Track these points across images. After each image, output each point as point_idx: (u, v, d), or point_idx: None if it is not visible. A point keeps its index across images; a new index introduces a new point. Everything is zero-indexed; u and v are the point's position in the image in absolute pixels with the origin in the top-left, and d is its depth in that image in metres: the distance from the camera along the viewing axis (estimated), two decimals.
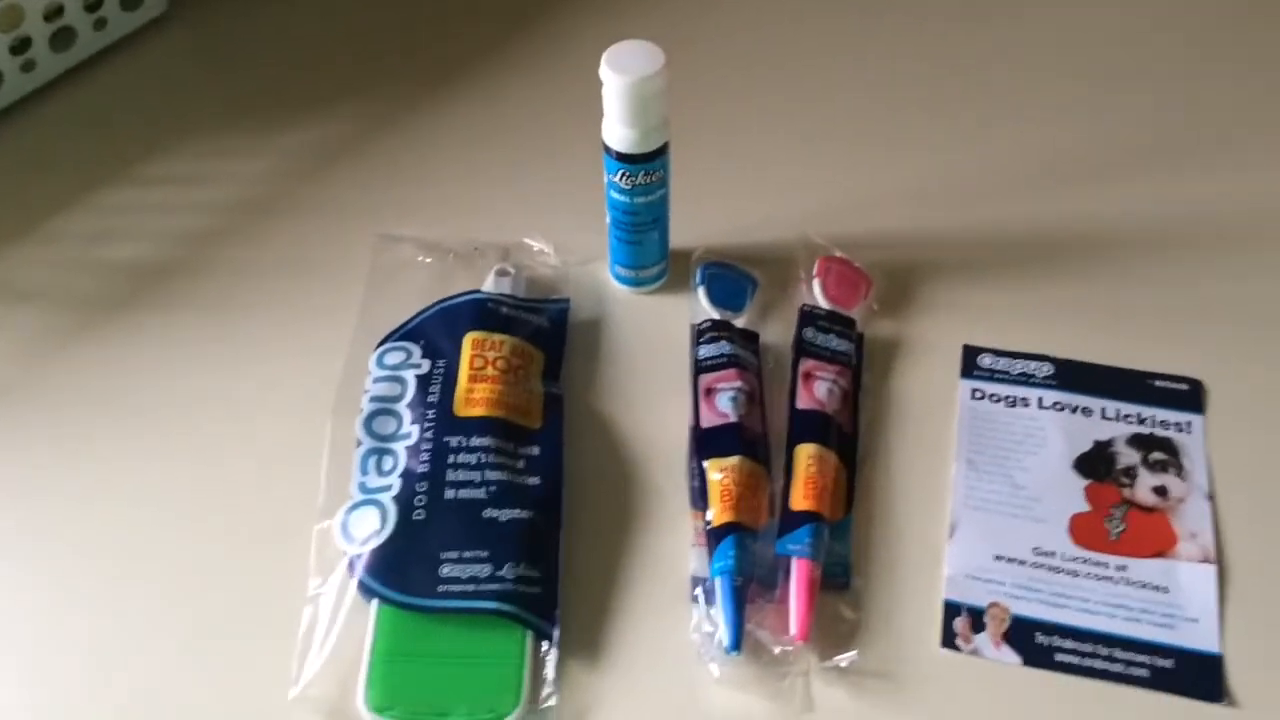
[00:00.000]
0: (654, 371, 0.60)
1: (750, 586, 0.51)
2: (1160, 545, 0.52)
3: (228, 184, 0.69)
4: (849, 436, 0.56)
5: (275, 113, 0.73)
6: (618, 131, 0.56)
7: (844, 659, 0.49)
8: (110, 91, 0.75)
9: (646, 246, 0.61)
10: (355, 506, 0.53)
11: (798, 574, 0.51)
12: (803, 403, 0.56)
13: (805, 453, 0.54)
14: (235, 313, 0.63)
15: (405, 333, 0.59)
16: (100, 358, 0.61)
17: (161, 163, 0.71)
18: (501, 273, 0.62)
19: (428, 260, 0.64)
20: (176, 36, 0.78)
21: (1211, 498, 0.53)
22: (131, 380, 0.60)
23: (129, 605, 0.52)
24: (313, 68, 0.77)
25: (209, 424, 0.58)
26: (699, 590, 0.51)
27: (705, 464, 0.54)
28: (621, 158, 0.57)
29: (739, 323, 0.60)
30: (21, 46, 0.71)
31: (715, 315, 0.60)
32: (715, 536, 0.52)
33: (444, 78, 0.75)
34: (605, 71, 0.54)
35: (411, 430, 0.55)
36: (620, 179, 0.57)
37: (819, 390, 0.56)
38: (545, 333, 0.60)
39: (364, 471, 0.54)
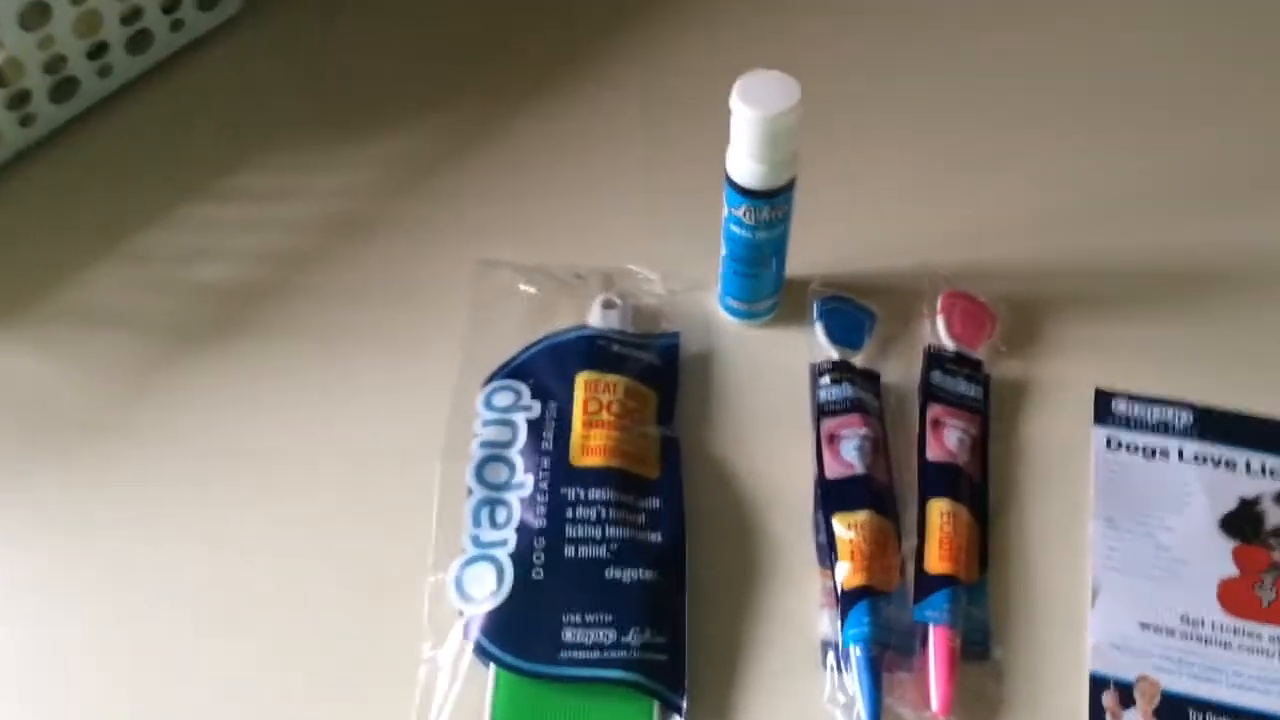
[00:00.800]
0: (770, 412, 0.57)
1: (886, 655, 0.49)
2: None
3: (314, 200, 0.66)
4: (980, 490, 0.54)
5: (360, 122, 0.70)
6: (745, 166, 0.53)
7: None
8: (187, 97, 0.71)
9: (763, 280, 0.58)
10: (469, 562, 0.51)
11: (937, 643, 0.48)
12: (933, 454, 0.54)
13: (938, 509, 0.52)
14: (329, 340, 0.60)
15: (512, 370, 0.57)
16: (188, 388, 0.59)
17: (244, 175, 0.68)
18: (608, 304, 0.59)
19: (530, 289, 0.61)
20: (253, 37, 0.75)
21: None
22: (221, 414, 0.58)
23: (231, 662, 0.50)
24: (398, 74, 0.73)
25: (307, 463, 0.56)
26: (831, 656, 0.49)
27: (833, 518, 0.52)
28: (746, 193, 0.53)
29: (857, 361, 0.57)
30: (98, 51, 0.67)
31: (834, 354, 0.57)
32: (847, 600, 0.50)
33: (544, 86, 0.72)
34: (736, 104, 0.51)
35: (525, 480, 0.53)
36: (743, 214, 0.54)
37: (949, 439, 0.54)
38: (656, 370, 0.57)
39: (476, 524, 0.52)
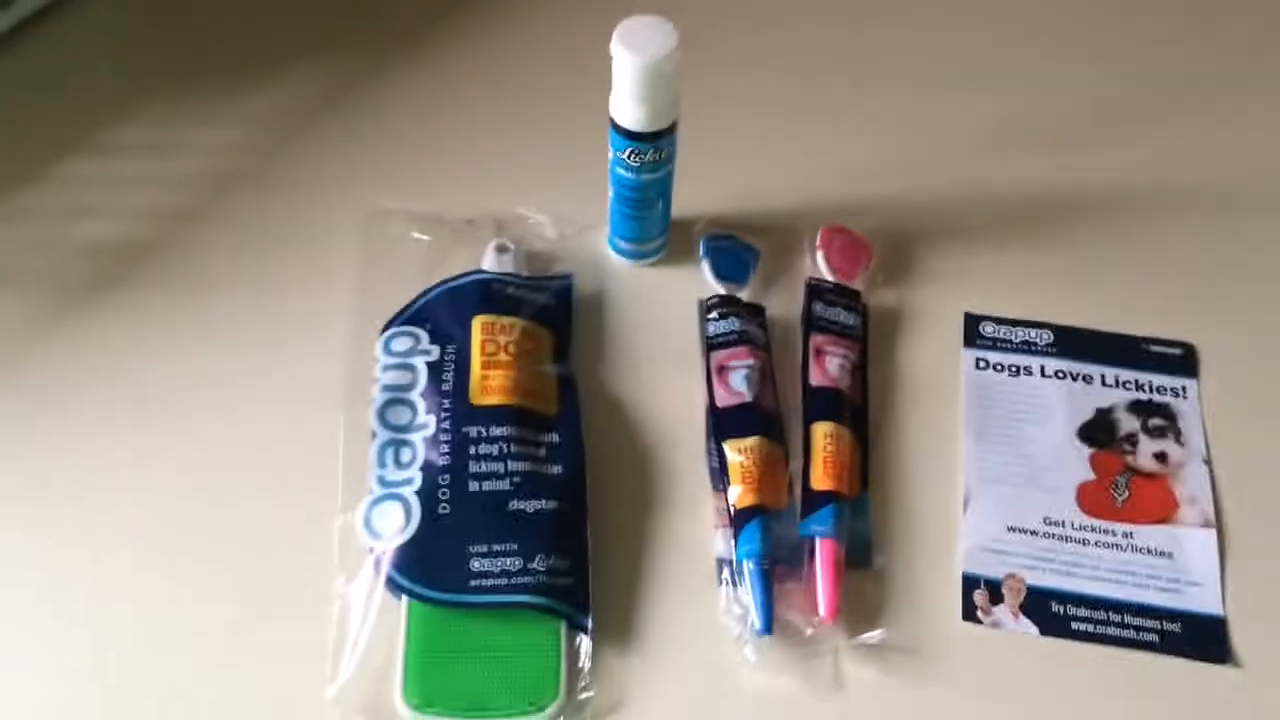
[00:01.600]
0: (661, 347, 0.59)
1: (777, 568, 0.52)
2: (1163, 511, 0.54)
3: (196, 154, 0.66)
4: (860, 412, 0.57)
5: (241, 72, 0.70)
6: (628, 109, 0.54)
7: (872, 637, 0.50)
8: (60, 50, 0.70)
9: (650, 221, 0.60)
10: (377, 501, 0.52)
11: (823, 555, 0.52)
12: (816, 379, 0.57)
13: (822, 431, 0.55)
14: (224, 295, 0.60)
15: (410, 316, 0.58)
16: (83, 344, 0.58)
17: (122, 130, 0.67)
18: (501, 248, 0.61)
19: (422, 236, 0.62)
20: None
21: (1209, 463, 0.56)
22: (120, 369, 0.58)
23: (149, 610, 0.51)
24: (276, 20, 0.72)
25: (209, 416, 0.56)
26: (726, 573, 0.52)
27: (724, 445, 0.55)
28: (631, 135, 0.55)
29: (744, 295, 0.60)
30: None
31: (721, 289, 0.60)
32: (739, 519, 0.53)
33: (428, 33, 0.72)
34: (617, 49, 0.52)
35: (428, 420, 0.54)
36: (628, 156, 0.56)
37: (831, 366, 0.57)
38: (551, 311, 0.59)
39: (382, 464, 0.53)
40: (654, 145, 0.56)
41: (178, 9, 0.73)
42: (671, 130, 0.56)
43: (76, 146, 0.66)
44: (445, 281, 0.59)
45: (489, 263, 0.60)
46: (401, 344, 0.57)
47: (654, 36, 0.52)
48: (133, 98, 0.68)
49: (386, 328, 0.58)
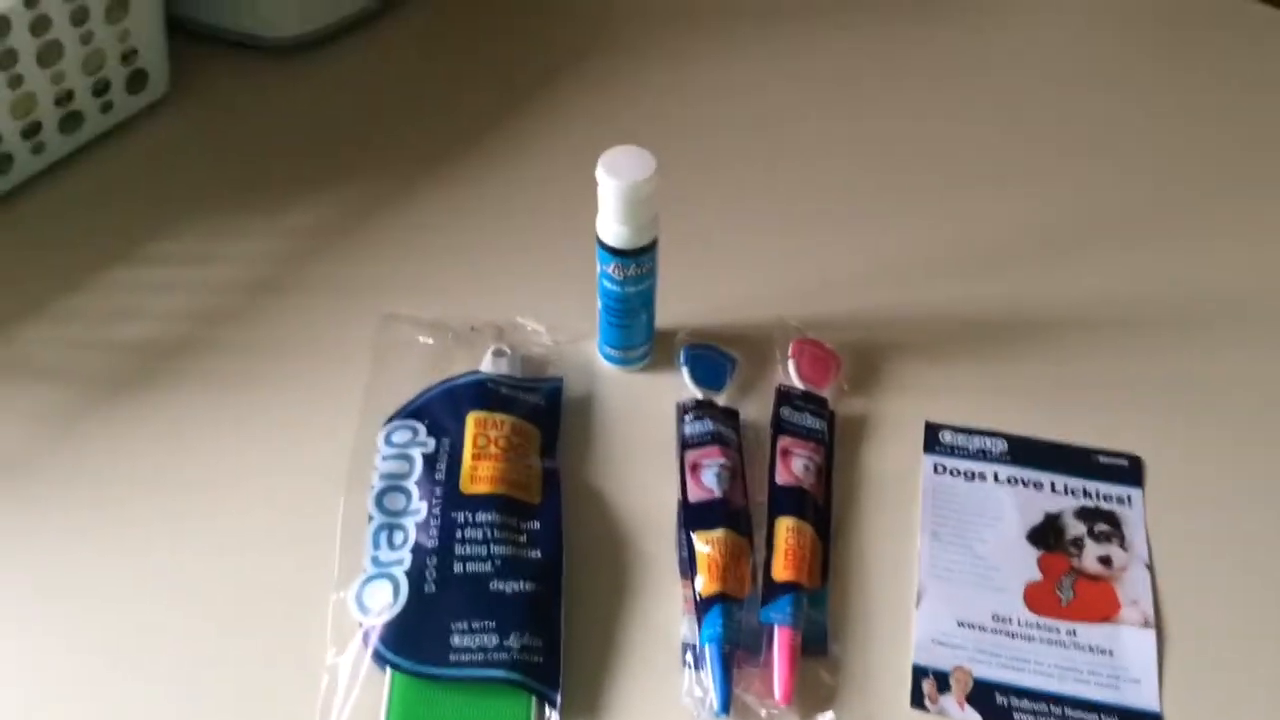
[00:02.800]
0: (643, 446, 0.64)
1: (737, 653, 0.55)
2: (1105, 611, 0.57)
3: (232, 264, 0.73)
4: (823, 510, 0.61)
5: (275, 194, 0.77)
6: (612, 229, 0.61)
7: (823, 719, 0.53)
8: (116, 172, 0.78)
9: (635, 330, 0.65)
10: (369, 580, 0.57)
11: (780, 641, 0.55)
12: (781, 478, 0.61)
13: (785, 525, 0.59)
14: (244, 391, 0.66)
15: (411, 411, 0.63)
16: (111, 436, 0.64)
17: (167, 242, 0.74)
18: (498, 353, 0.66)
19: (428, 341, 0.68)
20: (177, 117, 0.82)
21: (1150, 567, 0.59)
22: (143, 459, 0.63)
23: (150, 680, 0.55)
24: (309, 149, 0.81)
25: (222, 501, 0.61)
26: (689, 656, 0.56)
27: (693, 535, 0.59)
28: (615, 252, 0.61)
29: (720, 400, 0.65)
30: (32, 130, 0.74)
31: (698, 394, 0.65)
32: (703, 605, 0.56)
33: (439, 159, 0.80)
34: (601, 175, 0.59)
35: (420, 507, 0.59)
36: (613, 270, 0.62)
37: (796, 466, 0.61)
38: (541, 411, 0.64)
39: (376, 546, 0.58)
40: (636, 260, 0.62)
41: (226, 138, 0.81)
42: (652, 247, 0.62)
43: (124, 257, 0.73)
44: (445, 381, 0.65)
45: (487, 365, 0.66)
46: (401, 436, 0.62)
47: (634, 164, 0.59)
48: (176, 216, 0.76)
49: (389, 421, 0.63)
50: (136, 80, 0.79)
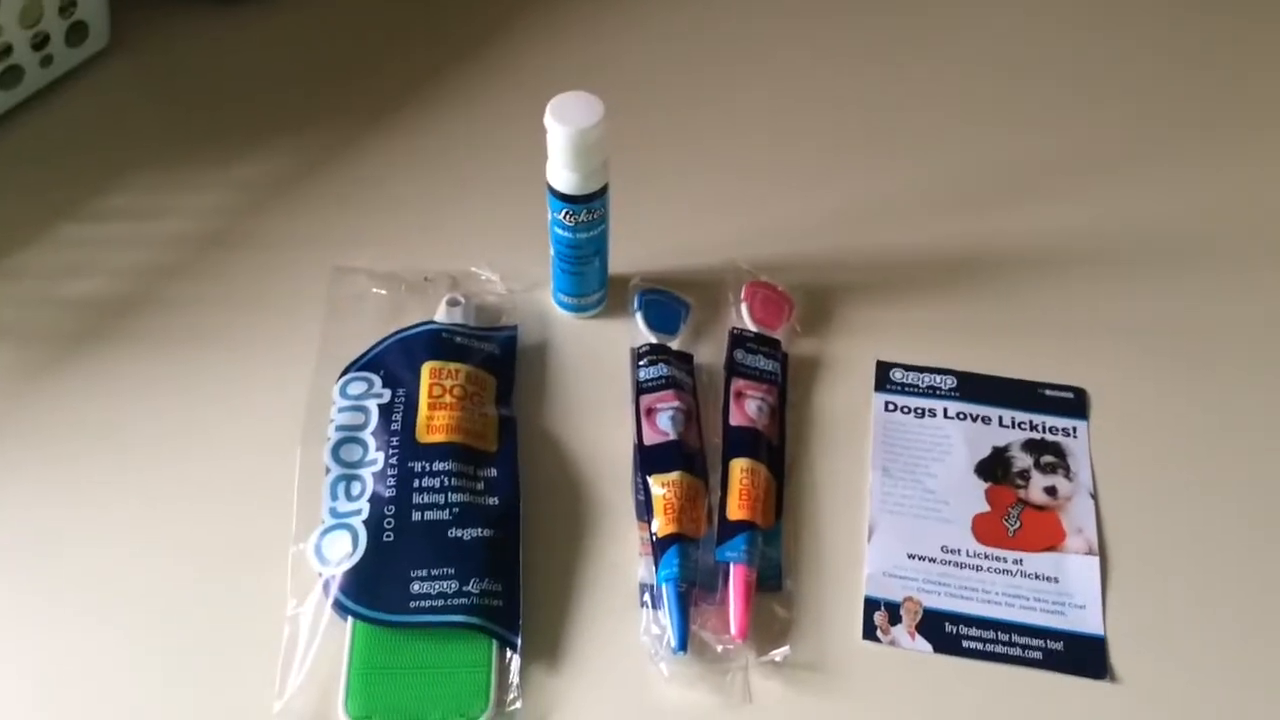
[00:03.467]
0: (598, 392, 0.65)
1: (693, 591, 0.56)
2: (1051, 540, 0.59)
3: (182, 217, 0.72)
4: (777, 449, 0.62)
5: (223, 145, 0.76)
6: (561, 175, 0.61)
7: (778, 654, 0.54)
8: (59, 126, 0.77)
9: (588, 276, 0.66)
10: (327, 531, 0.57)
11: (735, 579, 0.56)
12: (735, 420, 0.62)
13: (739, 466, 0.60)
14: (198, 346, 0.66)
15: (365, 363, 0.64)
16: (63, 394, 0.64)
17: (114, 197, 0.73)
18: (453, 302, 0.66)
19: (381, 291, 0.68)
20: (120, 69, 0.81)
21: (1095, 496, 0.60)
22: (100, 415, 0.63)
23: (113, 632, 0.56)
24: (257, 100, 0.80)
25: (181, 455, 0.62)
26: (647, 596, 0.57)
27: (649, 479, 0.59)
28: (565, 198, 0.61)
29: (674, 345, 0.66)
30: None
31: (652, 339, 0.65)
32: (660, 546, 0.57)
33: (389, 109, 0.79)
34: (550, 121, 0.58)
35: (377, 457, 0.59)
36: (564, 217, 0.62)
37: (749, 408, 0.62)
38: (496, 359, 0.64)
39: (334, 497, 0.58)
40: (586, 206, 0.62)
41: (171, 88, 0.80)
42: (603, 193, 0.62)
43: (72, 212, 0.72)
44: (400, 331, 0.65)
45: (441, 315, 0.66)
46: (356, 388, 0.62)
47: (582, 109, 0.58)
48: (124, 169, 0.75)
49: (344, 373, 0.63)
50: (76, 32, 0.78)
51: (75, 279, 0.69)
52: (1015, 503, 0.60)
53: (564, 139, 0.59)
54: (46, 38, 0.76)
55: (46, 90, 0.78)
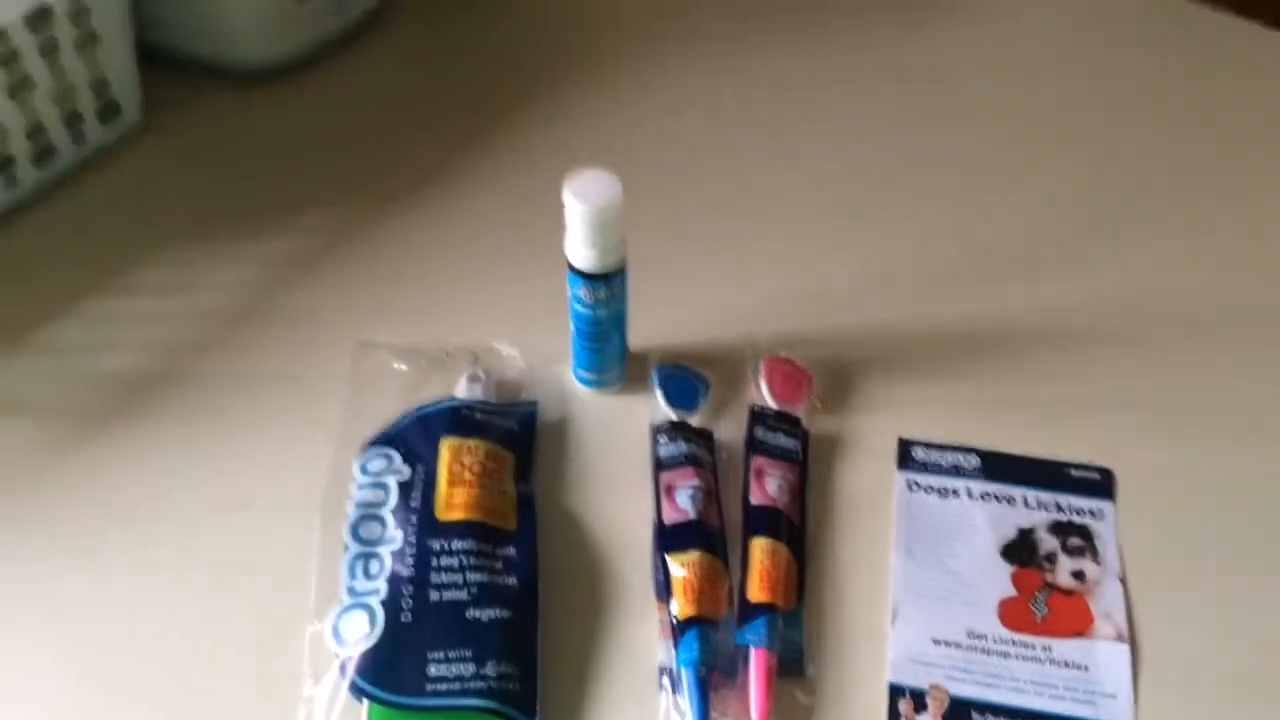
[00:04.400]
0: (618, 469, 0.64)
1: (713, 675, 0.55)
2: (1079, 626, 0.57)
3: (209, 292, 0.73)
4: (798, 529, 0.61)
5: (251, 222, 0.77)
6: (580, 252, 0.61)
7: None
8: (91, 203, 0.78)
9: (607, 352, 0.66)
10: (345, 610, 0.57)
11: (756, 663, 0.55)
12: (756, 499, 0.61)
13: (759, 546, 0.59)
14: (221, 422, 0.66)
15: (385, 439, 0.64)
16: (88, 469, 0.64)
17: (144, 272, 0.74)
18: (473, 378, 0.67)
19: (403, 366, 0.68)
20: (150, 147, 0.82)
21: (1123, 580, 0.59)
22: (123, 490, 0.63)
23: (128, 709, 0.55)
24: (283, 178, 0.81)
25: (200, 531, 0.61)
26: (666, 679, 0.56)
27: (669, 558, 0.59)
28: (584, 275, 0.61)
29: (694, 421, 0.65)
30: (4, 164, 0.74)
31: (672, 415, 0.65)
32: (680, 629, 0.56)
33: (411, 187, 0.80)
34: (568, 199, 0.59)
35: (396, 535, 0.59)
36: (583, 293, 0.62)
37: (770, 486, 0.62)
38: (516, 435, 0.64)
39: (352, 576, 0.58)
40: (605, 283, 0.62)
41: (200, 166, 0.82)
42: (621, 270, 0.62)
43: (98, 288, 0.73)
44: (420, 407, 0.65)
45: (461, 391, 0.66)
46: (376, 464, 0.62)
47: (600, 187, 0.59)
48: (154, 246, 0.76)
49: (364, 449, 0.63)
50: (109, 111, 0.79)
51: (101, 354, 0.70)
52: (1042, 586, 0.59)
53: (582, 217, 0.59)
54: (80, 116, 0.77)
55: (79, 167, 0.80)
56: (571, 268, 0.62)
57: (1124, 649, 0.56)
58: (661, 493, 0.62)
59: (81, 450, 0.65)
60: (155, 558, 0.60)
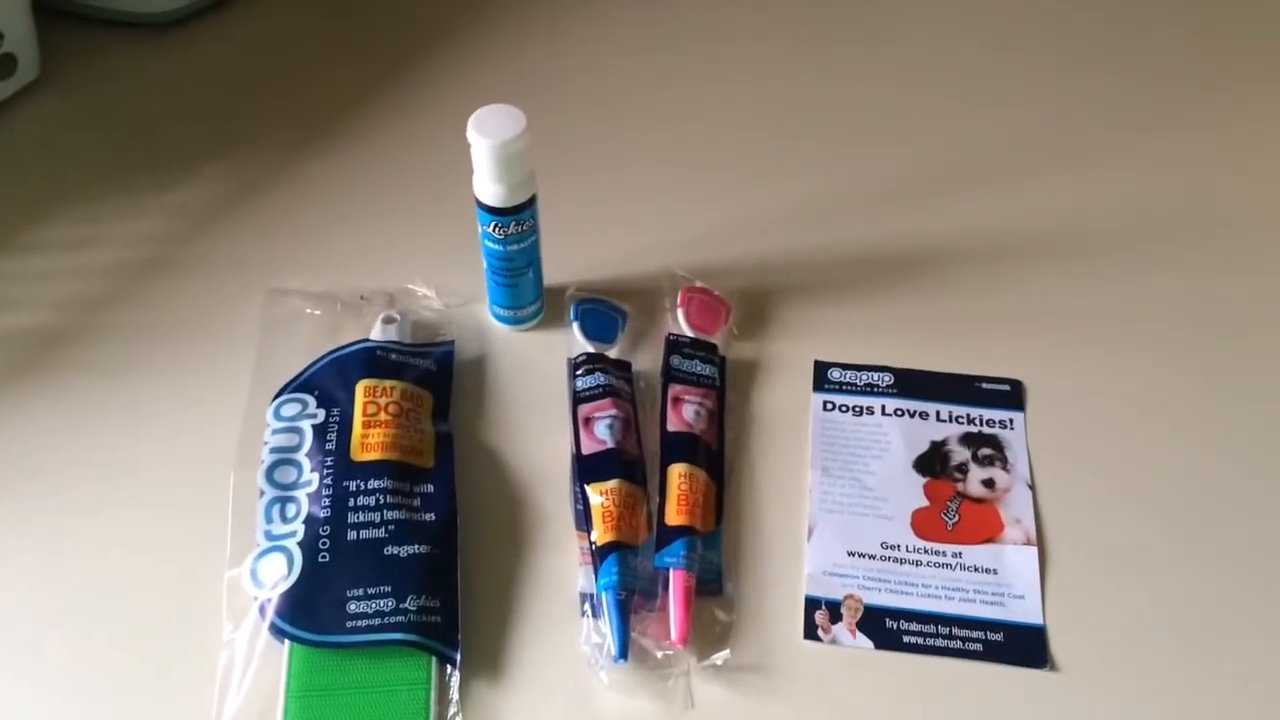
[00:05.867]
0: (537, 404, 0.64)
1: (633, 599, 0.56)
2: (989, 532, 0.59)
3: (112, 247, 0.72)
4: (716, 453, 0.62)
5: (151, 173, 0.76)
6: (488, 188, 0.60)
7: (719, 657, 0.54)
8: None
9: (522, 288, 0.66)
10: (262, 554, 0.57)
11: (675, 584, 0.56)
12: (673, 425, 0.62)
13: (677, 472, 0.60)
14: (132, 374, 0.65)
15: (300, 384, 0.63)
16: (0, 426, 0.63)
17: (43, 228, 0.73)
18: (388, 320, 0.66)
19: (316, 312, 0.67)
20: (50, 101, 0.80)
21: (1032, 486, 0.60)
22: (32, 449, 0.62)
23: (48, 663, 0.55)
24: (186, 127, 0.79)
25: (115, 485, 0.61)
26: (587, 605, 0.56)
27: (587, 488, 0.59)
28: (493, 211, 0.61)
29: (612, 353, 0.65)
30: None
31: (590, 348, 0.65)
32: (599, 555, 0.57)
33: (319, 132, 0.79)
34: (472, 135, 0.58)
35: (312, 478, 0.59)
36: (493, 230, 0.62)
37: (687, 413, 0.62)
38: (433, 375, 0.64)
39: (269, 520, 0.58)
40: (515, 218, 0.62)
41: (100, 119, 0.80)
42: (531, 204, 0.62)
43: (3, 245, 0.72)
44: (334, 351, 0.64)
45: (377, 333, 0.66)
46: (290, 409, 0.62)
47: (504, 122, 0.58)
48: (51, 200, 0.74)
49: (278, 395, 0.63)
50: (5, 64, 0.77)
51: (4, 313, 0.68)
52: (954, 496, 0.60)
53: (487, 152, 0.59)
54: None
55: None
56: (480, 204, 0.62)
57: (1032, 552, 0.58)
58: (580, 424, 0.62)
59: None
60: (70, 515, 0.60)
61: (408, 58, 0.84)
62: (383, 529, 0.57)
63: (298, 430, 0.61)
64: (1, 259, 0.71)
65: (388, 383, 0.62)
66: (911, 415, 0.63)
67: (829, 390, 0.65)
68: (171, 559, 0.58)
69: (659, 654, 0.54)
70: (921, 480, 0.61)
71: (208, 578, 0.57)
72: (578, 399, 0.63)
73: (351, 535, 0.57)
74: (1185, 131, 0.80)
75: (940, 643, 0.55)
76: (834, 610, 0.56)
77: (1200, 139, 0.79)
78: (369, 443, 0.60)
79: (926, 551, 0.58)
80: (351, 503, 0.58)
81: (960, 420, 0.63)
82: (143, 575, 0.58)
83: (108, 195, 0.75)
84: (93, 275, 0.70)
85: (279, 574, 0.56)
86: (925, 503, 0.60)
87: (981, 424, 0.63)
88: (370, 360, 0.63)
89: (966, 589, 0.57)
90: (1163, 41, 0.86)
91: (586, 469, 0.60)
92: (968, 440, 0.62)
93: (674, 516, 0.58)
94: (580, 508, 0.59)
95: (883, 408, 0.64)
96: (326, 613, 0.54)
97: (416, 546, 0.57)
